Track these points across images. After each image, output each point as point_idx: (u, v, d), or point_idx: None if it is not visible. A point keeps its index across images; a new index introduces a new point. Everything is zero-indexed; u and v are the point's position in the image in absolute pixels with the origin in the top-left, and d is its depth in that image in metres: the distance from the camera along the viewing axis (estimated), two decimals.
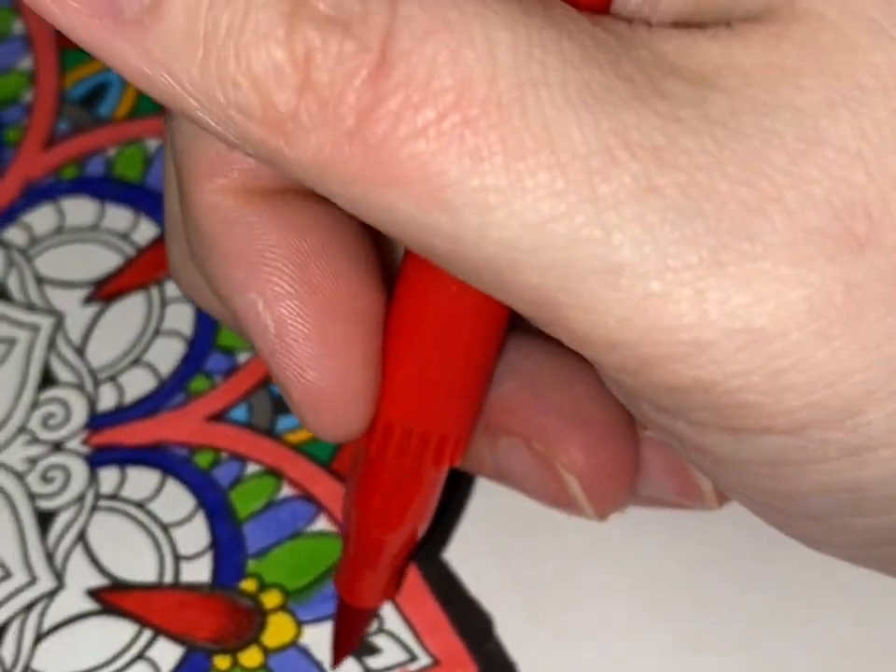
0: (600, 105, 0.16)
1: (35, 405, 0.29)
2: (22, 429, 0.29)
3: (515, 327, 0.23)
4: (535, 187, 0.16)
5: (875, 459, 0.17)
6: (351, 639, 0.26)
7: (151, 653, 0.26)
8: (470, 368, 0.22)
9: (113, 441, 0.29)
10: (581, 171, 0.16)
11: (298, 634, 0.26)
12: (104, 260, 0.31)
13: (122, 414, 0.29)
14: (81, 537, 0.27)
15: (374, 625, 0.26)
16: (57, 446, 0.29)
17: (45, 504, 0.28)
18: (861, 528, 0.18)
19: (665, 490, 0.26)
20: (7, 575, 0.27)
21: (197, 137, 0.21)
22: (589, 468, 0.25)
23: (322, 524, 0.27)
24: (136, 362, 0.30)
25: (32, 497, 0.28)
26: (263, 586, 0.27)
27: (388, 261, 0.23)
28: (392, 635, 0.26)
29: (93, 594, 0.27)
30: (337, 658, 0.26)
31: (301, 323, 0.21)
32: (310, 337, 0.21)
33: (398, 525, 0.24)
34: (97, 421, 0.29)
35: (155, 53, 0.17)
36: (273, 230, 0.21)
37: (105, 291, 0.31)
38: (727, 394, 0.17)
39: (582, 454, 0.25)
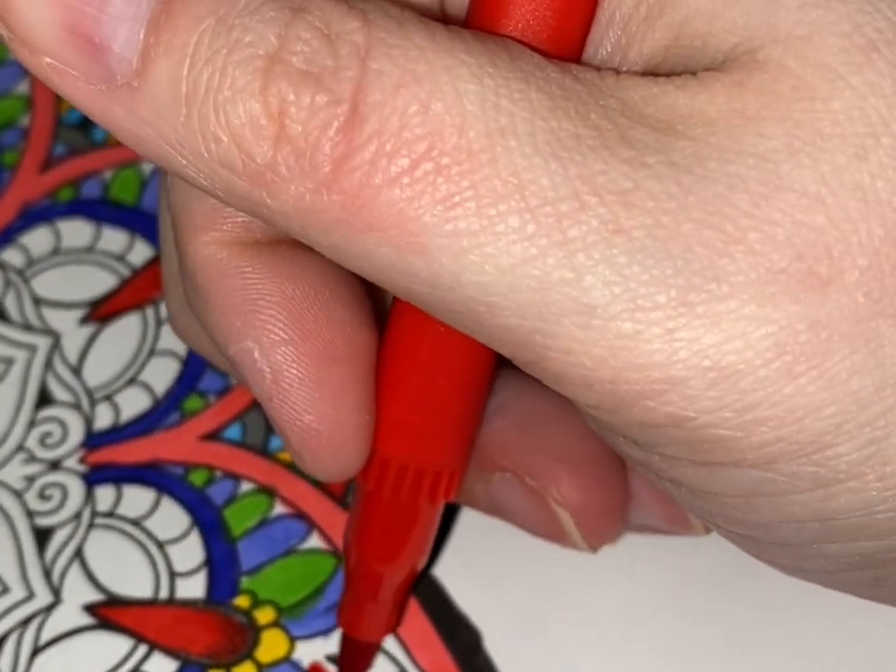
0: (568, 152, 0.17)
1: (32, 424, 0.30)
2: (20, 448, 0.29)
3: (505, 365, 0.23)
4: (507, 231, 0.17)
5: (843, 491, 0.18)
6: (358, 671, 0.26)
7: (147, 668, 0.26)
8: (462, 405, 0.23)
9: (109, 460, 0.29)
10: (551, 215, 0.17)
11: (291, 649, 0.26)
12: (99, 281, 0.32)
13: (118, 433, 0.30)
14: (78, 553, 0.28)
15: None
16: (54, 464, 0.29)
17: (42, 521, 0.28)
18: (831, 555, 0.19)
19: (655, 519, 0.26)
20: (6, 590, 0.27)
21: (191, 193, 0.22)
22: (582, 504, 0.25)
23: (314, 541, 0.28)
24: (132, 382, 0.30)
25: (30, 514, 0.28)
26: (257, 602, 0.27)
27: (379, 302, 0.24)
28: (383, 650, 0.26)
29: (90, 609, 0.27)
30: None
31: (297, 368, 0.22)
32: (306, 382, 0.22)
33: (396, 558, 0.25)
34: (93, 440, 0.29)
35: (144, 115, 0.17)
36: (267, 279, 0.22)
37: (100, 312, 0.31)
38: (699, 429, 0.17)
39: (575, 490, 0.25)
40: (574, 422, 0.25)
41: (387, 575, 0.25)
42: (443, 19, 0.20)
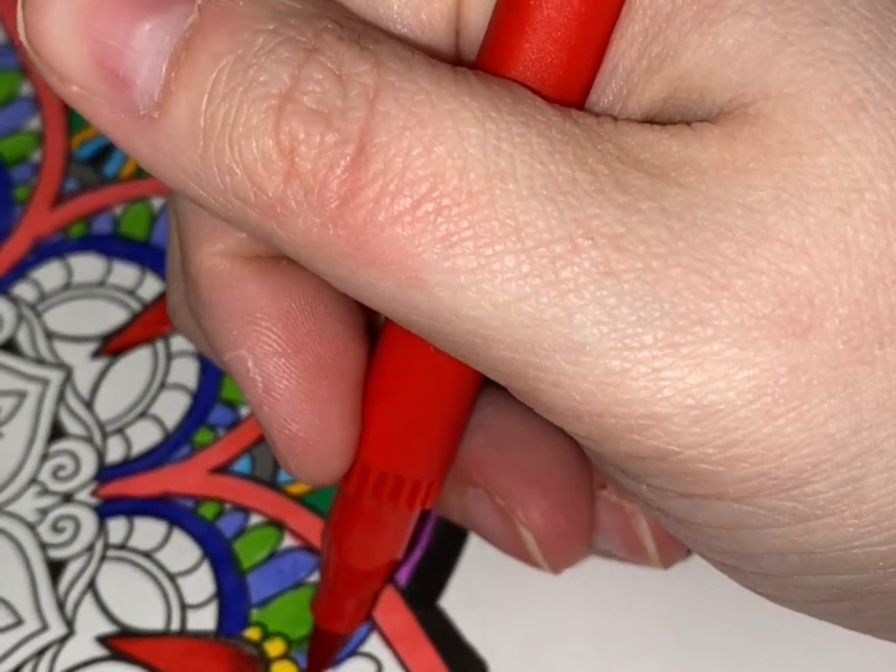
0: (564, 196, 0.17)
1: (45, 457, 0.30)
2: (33, 481, 0.30)
3: (490, 383, 0.24)
4: (502, 269, 0.17)
5: (822, 526, 0.18)
6: (324, 663, 0.27)
7: None
8: (445, 420, 0.24)
9: (121, 493, 0.30)
10: (546, 256, 0.17)
11: None
12: (111, 315, 0.33)
13: (130, 466, 0.30)
14: (91, 585, 0.28)
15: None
16: (67, 497, 0.30)
17: (56, 553, 0.29)
18: (811, 586, 0.20)
19: (616, 547, 0.27)
20: (20, 621, 0.28)
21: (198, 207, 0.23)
22: (545, 527, 0.26)
23: None
24: (143, 415, 0.31)
25: (43, 546, 0.29)
26: (267, 634, 0.28)
27: (371, 317, 0.25)
28: None
29: (103, 640, 0.28)
30: None
31: (288, 380, 0.23)
32: (295, 393, 0.23)
33: (371, 558, 0.26)
34: (105, 473, 0.30)
35: (163, 146, 0.18)
36: (265, 292, 0.23)
37: (112, 346, 0.32)
38: (683, 462, 0.18)
39: (540, 514, 0.26)
40: (549, 446, 0.26)
41: (361, 573, 0.26)
42: (458, 59, 0.21)
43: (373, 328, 0.24)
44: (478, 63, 0.19)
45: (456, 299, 0.18)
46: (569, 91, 0.19)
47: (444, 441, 0.24)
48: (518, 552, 0.27)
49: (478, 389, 0.24)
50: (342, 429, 0.23)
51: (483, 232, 0.17)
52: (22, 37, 0.18)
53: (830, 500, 0.18)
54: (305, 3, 0.18)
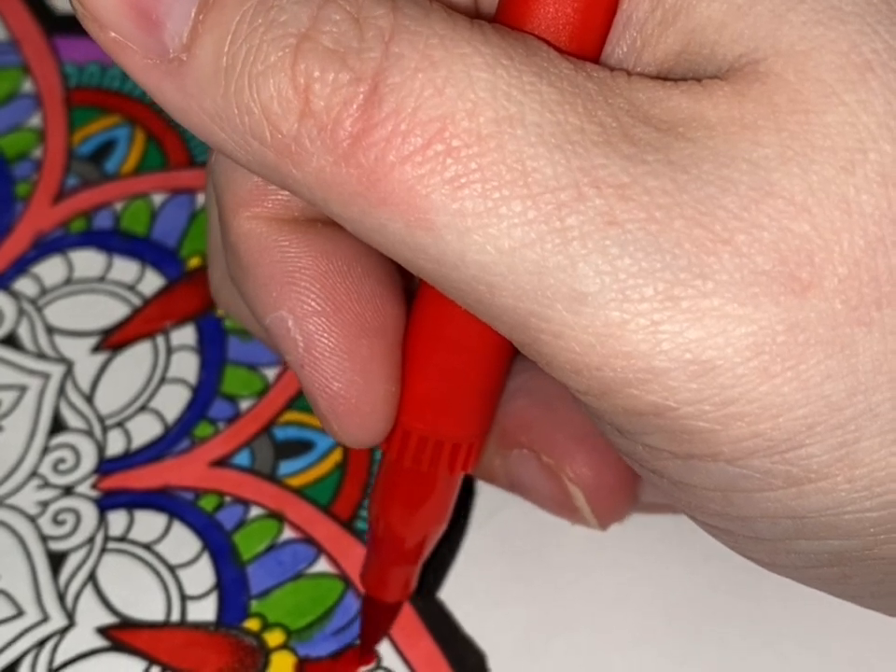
0: (572, 145, 0.18)
1: (45, 450, 0.30)
2: (34, 474, 0.30)
3: None
4: (509, 214, 0.18)
5: (814, 490, 0.18)
6: (377, 633, 0.27)
7: None
8: (483, 381, 0.24)
9: (121, 486, 0.30)
10: (551, 203, 0.18)
11: (300, 671, 0.27)
12: (111, 310, 0.33)
13: (130, 459, 0.30)
14: (91, 577, 0.29)
15: (373, 662, 0.27)
16: (67, 490, 0.30)
17: (56, 546, 0.29)
18: (804, 551, 0.20)
19: (663, 495, 0.27)
20: (21, 613, 0.28)
21: (235, 171, 0.23)
22: (594, 482, 0.26)
23: (322, 565, 0.28)
24: (143, 409, 0.31)
25: (44, 538, 0.29)
26: (266, 625, 0.28)
27: (408, 280, 0.25)
28: (389, 670, 0.27)
29: (103, 631, 0.28)
30: (365, 650, 0.27)
31: (328, 338, 0.23)
32: (336, 351, 0.23)
33: (415, 523, 0.26)
34: (106, 466, 0.30)
35: (190, 88, 0.19)
36: (303, 254, 0.23)
37: (112, 340, 0.32)
38: (680, 419, 0.18)
39: (589, 469, 0.26)
40: None
41: (408, 539, 0.26)
42: (476, 12, 0.21)
43: (410, 291, 0.25)
44: (496, 18, 0.20)
45: (462, 242, 0.18)
46: (584, 44, 0.19)
47: (483, 403, 0.24)
48: (566, 510, 0.27)
49: (514, 350, 0.24)
50: (383, 388, 0.23)
51: (490, 175, 0.18)
52: None
53: (823, 464, 0.18)
54: None
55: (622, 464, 0.26)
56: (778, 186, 0.17)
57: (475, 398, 0.24)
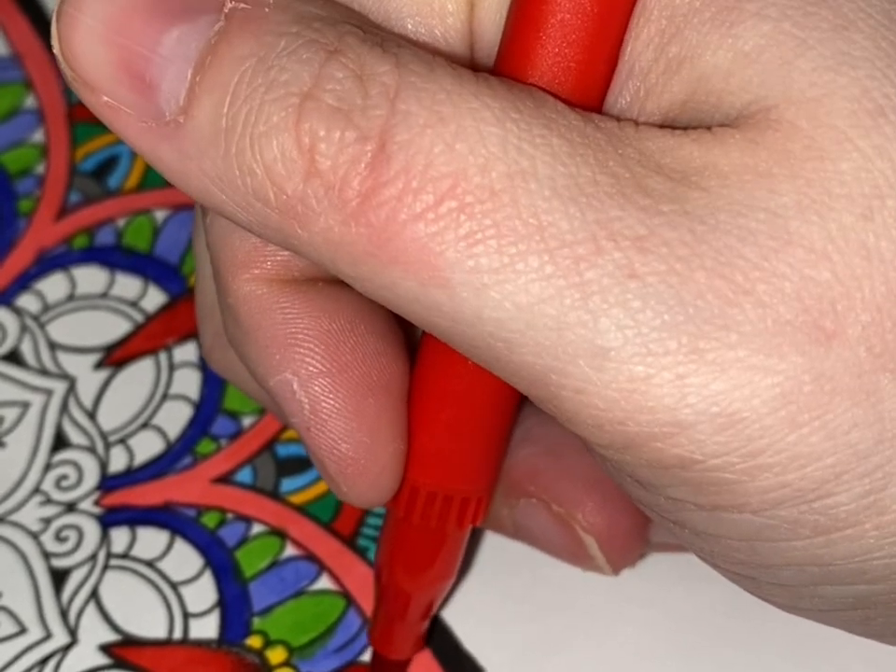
0: (586, 197, 0.17)
1: (48, 467, 0.31)
2: (37, 490, 0.30)
3: None
4: (526, 269, 0.17)
5: (842, 538, 0.18)
6: None
7: None
8: (490, 434, 0.24)
9: (124, 502, 0.30)
10: (569, 257, 0.17)
11: None
12: (114, 327, 0.33)
13: (132, 476, 0.30)
14: (94, 594, 0.29)
15: None
16: (70, 507, 0.30)
17: (59, 563, 0.29)
18: (827, 595, 0.20)
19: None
20: (23, 630, 0.28)
21: (232, 232, 0.23)
22: (607, 530, 0.26)
23: (324, 583, 0.29)
24: (145, 426, 0.31)
25: (46, 555, 0.29)
26: (268, 643, 0.28)
27: (410, 334, 0.25)
28: None
29: (106, 649, 0.28)
30: None
31: (334, 399, 0.23)
32: (342, 412, 0.23)
33: (424, 581, 0.26)
34: (108, 482, 0.30)
35: (188, 150, 0.18)
36: (305, 314, 0.23)
37: (115, 357, 0.32)
38: (706, 472, 0.18)
39: (600, 516, 0.26)
40: None
41: (416, 596, 0.26)
42: (472, 66, 0.21)
43: (412, 345, 0.24)
44: (495, 71, 0.20)
45: (479, 299, 0.18)
46: (586, 93, 0.19)
47: (490, 456, 0.24)
48: (578, 557, 0.27)
49: (520, 400, 0.24)
50: (391, 447, 0.23)
51: (506, 231, 0.17)
52: (56, 50, 0.19)
53: (851, 512, 0.18)
54: (329, 10, 0.19)
55: (633, 508, 0.26)
56: (797, 234, 0.17)
57: (483, 451, 0.24)
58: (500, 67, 0.20)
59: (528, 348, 0.18)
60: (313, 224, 0.18)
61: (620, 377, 0.17)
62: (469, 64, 0.21)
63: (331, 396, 0.23)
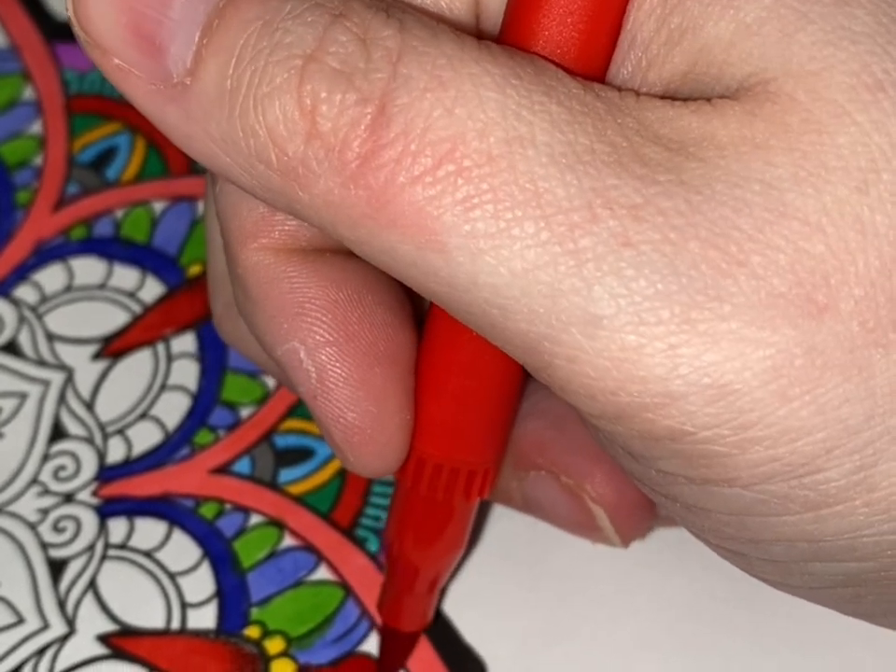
0: (583, 165, 0.18)
1: (46, 458, 0.30)
2: (34, 481, 0.30)
3: None
4: (521, 235, 0.17)
5: (832, 514, 0.18)
6: (395, 663, 0.27)
7: None
8: (496, 406, 0.24)
9: (122, 493, 0.30)
10: (564, 224, 0.17)
11: None
12: (112, 318, 0.33)
13: (130, 467, 0.30)
14: (92, 584, 0.29)
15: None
16: (68, 497, 0.30)
17: (56, 553, 0.29)
18: (817, 572, 0.20)
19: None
20: (21, 620, 0.28)
21: (240, 201, 0.23)
22: (617, 500, 0.26)
23: (322, 573, 0.28)
24: (143, 416, 0.31)
25: (44, 546, 0.29)
26: (266, 633, 0.28)
27: (418, 306, 0.25)
28: None
29: (103, 639, 0.28)
30: None
31: (341, 368, 0.23)
32: (349, 381, 0.23)
33: (432, 553, 0.26)
34: (106, 473, 0.30)
35: (194, 112, 0.19)
36: (313, 283, 0.23)
37: (113, 348, 0.32)
38: (697, 444, 0.18)
39: (610, 487, 0.26)
40: None
41: (424, 568, 0.26)
42: (478, 35, 0.21)
43: (420, 317, 0.24)
44: (499, 41, 0.20)
45: (475, 264, 0.18)
46: (589, 64, 0.19)
47: (497, 428, 0.24)
48: (587, 529, 0.27)
49: (527, 373, 0.23)
50: (398, 416, 0.23)
51: (502, 196, 0.17)
52: (70, 13, 0.19)
53: (841, 488, 0.18)
54: None
55: None
56: (792, 206, 0.17)
57: (490, 423, 0.24)
58: (504, 37, 0.20)
59: (522, 315, 0.18)
60: (313, 186, 0.18)
61: (612, 346, 0.17)
62: (474, 34, 0.21)
63: (338, 364, 0.23)
